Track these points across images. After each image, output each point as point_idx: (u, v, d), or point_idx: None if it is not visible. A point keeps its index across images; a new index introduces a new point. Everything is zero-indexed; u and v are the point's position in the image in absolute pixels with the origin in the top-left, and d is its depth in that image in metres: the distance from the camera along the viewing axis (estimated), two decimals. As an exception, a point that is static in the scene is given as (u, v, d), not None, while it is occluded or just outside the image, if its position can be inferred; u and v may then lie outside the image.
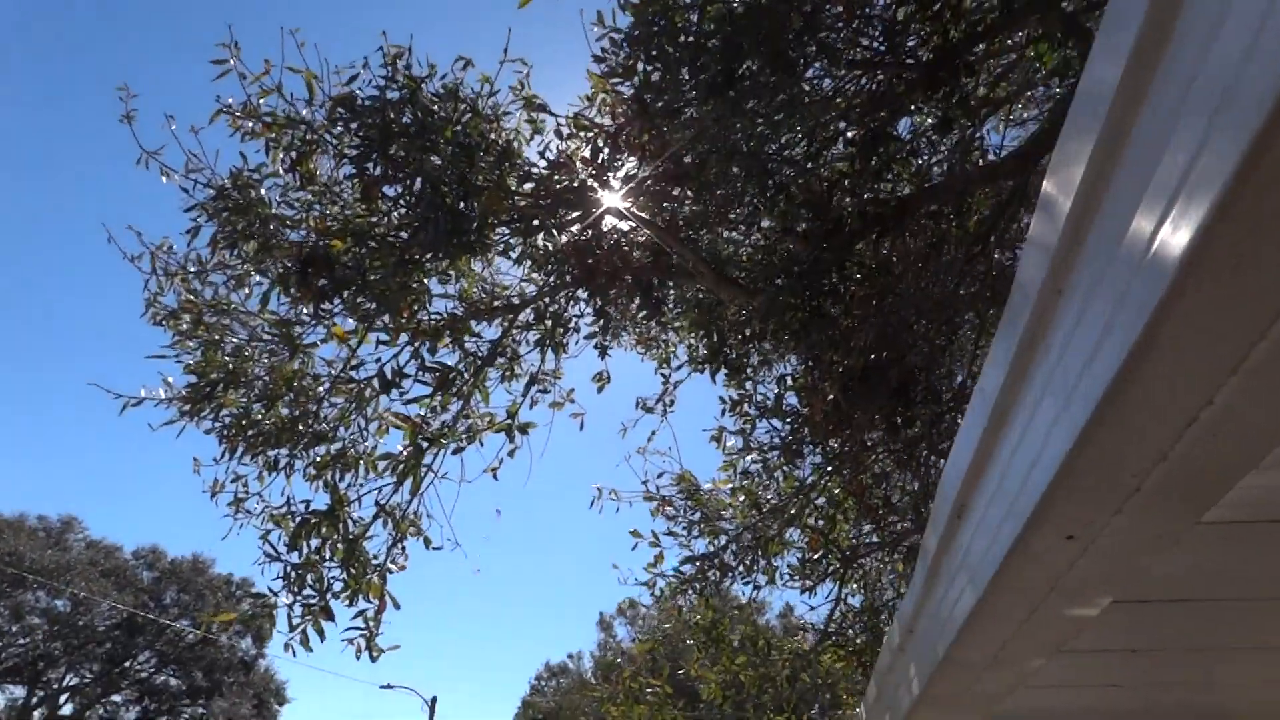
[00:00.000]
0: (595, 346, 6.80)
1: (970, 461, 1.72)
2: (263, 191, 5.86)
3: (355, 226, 5.46)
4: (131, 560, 37.68)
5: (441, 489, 6.06)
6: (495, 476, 6.16)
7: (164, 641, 36.46)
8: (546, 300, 6.58)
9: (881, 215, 5.65)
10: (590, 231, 6.25)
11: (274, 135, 5.69)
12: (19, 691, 34.42)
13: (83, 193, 59.23)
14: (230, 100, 5.80)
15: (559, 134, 5.82)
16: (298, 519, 5.79)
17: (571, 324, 6.56)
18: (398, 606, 5.75)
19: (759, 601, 8.25)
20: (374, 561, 5.96)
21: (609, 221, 6.33)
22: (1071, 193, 1.22)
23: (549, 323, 6.50)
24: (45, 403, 59.37)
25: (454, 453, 5.74)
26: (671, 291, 7.08)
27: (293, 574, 5.66)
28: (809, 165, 6.03)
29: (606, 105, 5.73)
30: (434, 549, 6.25)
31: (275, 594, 5.71)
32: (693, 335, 8.08)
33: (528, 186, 5.67)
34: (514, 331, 6.42)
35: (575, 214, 6.19)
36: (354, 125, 5.34)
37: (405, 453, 5.84)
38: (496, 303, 6.35)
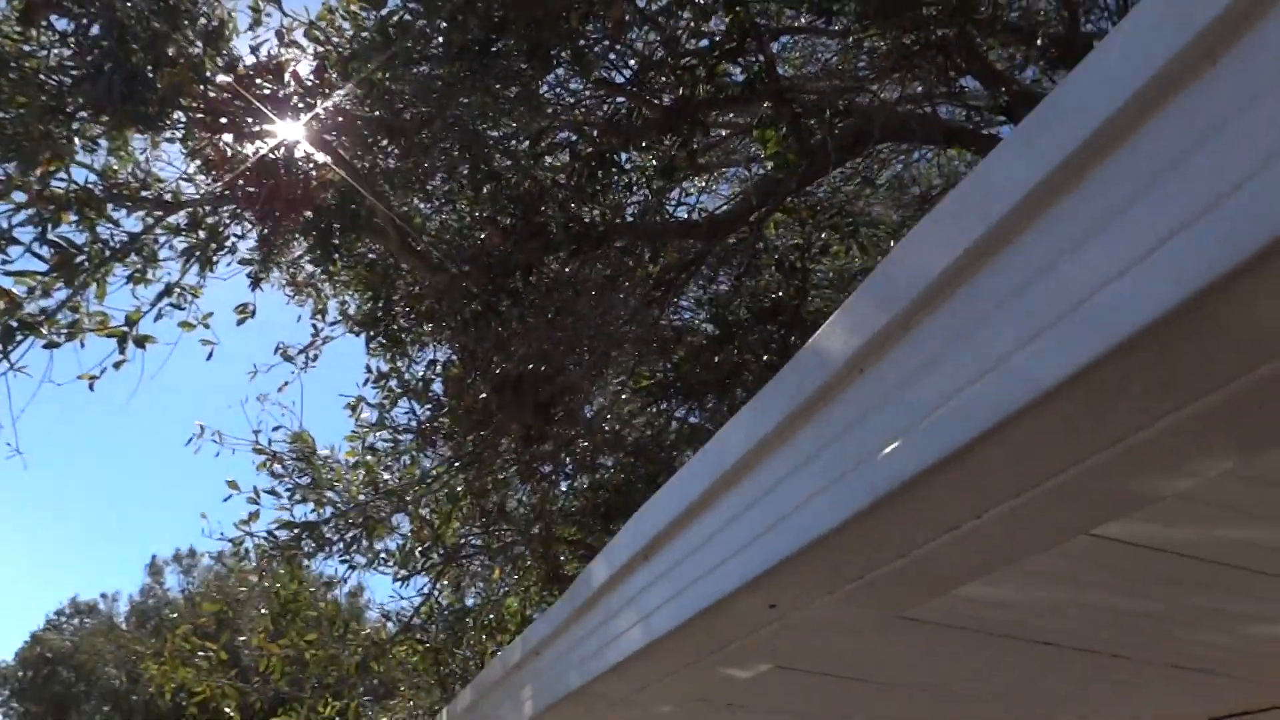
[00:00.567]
0: (249, 275, 6.13)
1: (681, 510, 1.71)
2: None
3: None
4: None
5: (15, 384, 5.06)
6: (92, 387, 5.28)
7: None
8: (206, 209, 5.82)
9: (584, 235, 5.72)
10: (281, 151, 5.66)
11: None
12: None
13: None
14: None
15: (280, 35, 5.21)
16: None
17: (229, 243, 5.85)
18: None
19: (340, 578, 7.86)
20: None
21: (304, 149, 5.78)
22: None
23: (202, 233, 5.74)
24: None
25: (46, 346, 4.82)
26: (349, 243, 6.60)
27: None
28: (529, 164, 5.97)
29: (345, 24, 5.25)
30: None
31: None
32: (357, 293, 7.60)
33: (226, 81, 5.00)
34: (158, 231, 5.58)
35: (269, 126, 5.59)
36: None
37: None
38: (146, 193, 5.49)
